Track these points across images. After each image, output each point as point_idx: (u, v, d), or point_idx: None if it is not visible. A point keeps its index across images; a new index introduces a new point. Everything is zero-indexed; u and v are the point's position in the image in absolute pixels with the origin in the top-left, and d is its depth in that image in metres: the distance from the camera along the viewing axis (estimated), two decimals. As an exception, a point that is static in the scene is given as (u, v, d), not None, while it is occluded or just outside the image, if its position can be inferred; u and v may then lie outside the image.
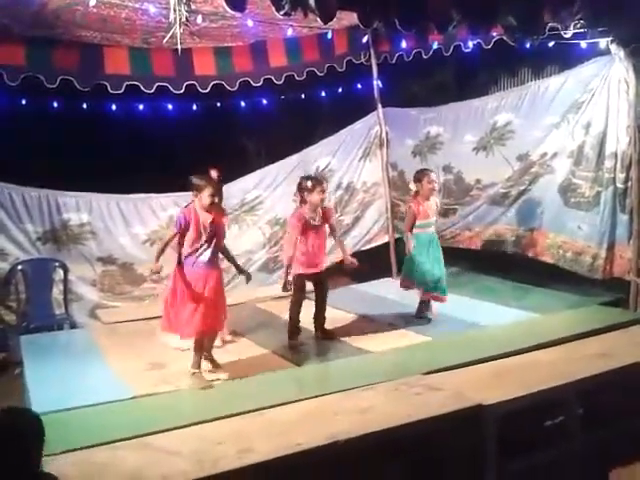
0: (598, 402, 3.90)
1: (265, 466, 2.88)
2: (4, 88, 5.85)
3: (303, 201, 4.96)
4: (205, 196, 4.23)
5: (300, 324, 4.98)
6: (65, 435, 3.32)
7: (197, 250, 4.22)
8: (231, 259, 4.65)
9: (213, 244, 4.27)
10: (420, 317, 5.40)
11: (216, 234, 4.31)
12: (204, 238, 4.22)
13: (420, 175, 5.43)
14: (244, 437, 3.18)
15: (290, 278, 4.87)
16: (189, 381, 4.14)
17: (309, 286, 5.11)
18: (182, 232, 4.23)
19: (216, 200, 4.37)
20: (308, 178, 5.09)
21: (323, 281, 5.12)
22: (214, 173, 4.61)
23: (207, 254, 4.24)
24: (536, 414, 3.68)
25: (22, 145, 6.73)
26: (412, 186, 5.48)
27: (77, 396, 3.94)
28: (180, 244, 4.26)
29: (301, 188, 4.97)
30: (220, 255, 4.47)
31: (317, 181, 5.03)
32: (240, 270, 4.67)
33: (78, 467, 2.94)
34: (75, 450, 3.12)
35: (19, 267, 6.01)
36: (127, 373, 4.41)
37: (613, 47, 5.22)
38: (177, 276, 4.22)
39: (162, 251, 4.41)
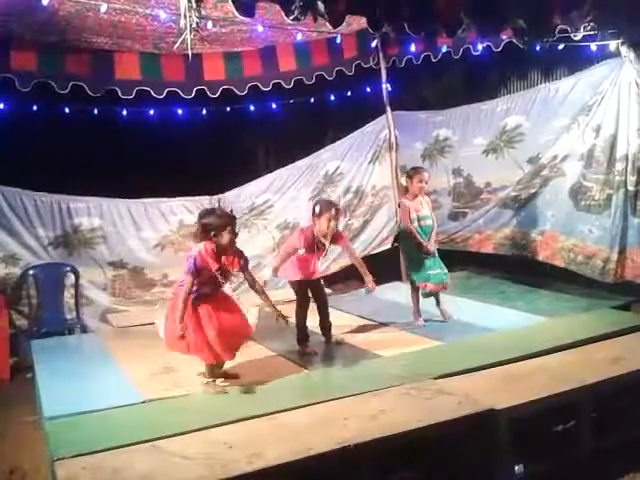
0: (610, 406, 3.87)
1: (276, 470, 2.87)
2: (16, 94, 5.91)
3: (312, 224, 4.84)
4: (226, 234, 3.93)
5: (308, 329, 4.96)
6: (76, 439, 3.34)
7: (199, 290, 4.01)
8: (266, 300, 4.24)
9: (222, 285, 4.06)
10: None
11: (227, 276, 4.08)
12: (211, 284, 4.01)
13: (412, 173, 5.39)
14: (255, 441, 3.17)
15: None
16: (201, 386, 4.13)
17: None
18: (195, 276, 3.95)
19: (234, 237, 4.05)
20: (318, 202, 4.91)
21: (321, 287, 5.08)
22: (228, 209, 4.15)
23: (214, 293, 4.04)
24: (548, 419, 3.66)
25: (33, 150, 6.78)
26: (402, 181, 5.49)
27: (88, 400, 3.95)
28: (192, 285, 3.98)
29: (311, 212, 4.83)
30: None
31: (326, 206, 4.79)
32: (277, 313, 4.22)
33: (90, 471, 2.95)
34: (86, 454, 3.12)
35: (31, 272, 6.06)
36: (138, 377, 4.42)
37: (623, 49, 5.21)
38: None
39: (186, 305, 3.95)
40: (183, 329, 3.92)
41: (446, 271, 5.38)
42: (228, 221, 3.98)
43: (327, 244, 4.87)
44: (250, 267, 4.83)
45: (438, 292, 5.39)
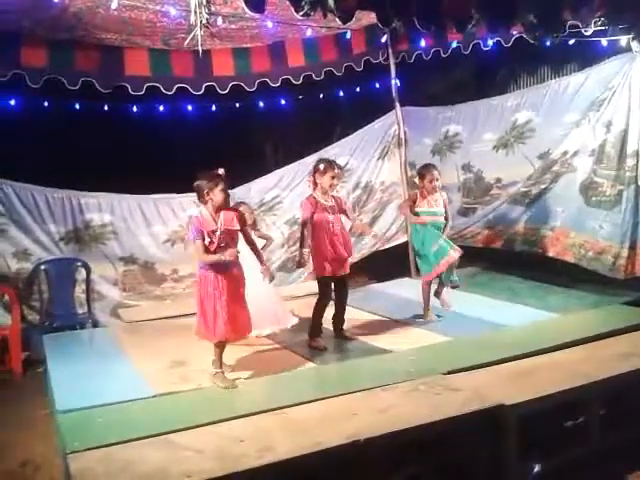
0: (620, 403, 3.87)
1: (286, 464, 2.89)
2: (26, 90, 5.94)
3: (314, 184, 4.93)
4: (217, 192, 4.05)
5: (322, 325, 4.97)
6: (89, 432, 3.37)
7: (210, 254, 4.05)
8: (257, 253, 4.45)
9: (225, 246, 4.07)
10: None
11: (229, 235, 4.13)
12: (215, 244, 4.05)
13: (423, 171, 5.38)
14: (265, 435, 3.20)
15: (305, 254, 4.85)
16: (210, 379, 4.16)
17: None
18: (201, 238, 4.03)
19: (228, 195, 4.18)
20: (321, 161, 5.00)
21: (346, 284, 5.08)
22: (221, 170, 4.24)
23: (227, 254, 4.04)
24: (557, 415, 3.66)
25: (45, 147, 6.83)
26: (416, 180, 5.48)
27: (100, 394, 3.99)
28: (207, 251, 4.06)
29: (314, 171, 4.93)
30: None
31: (329, 164, 4.92)
32: (262, 263, 4.40)
33: (103, 464, 2.98)
34: (99, 447, 3.15)
35: (42, 267, 6.10)
36: (149, 371, 4.45)
37: (634, 44, 5.18)
38: (199, 280, 4.13)
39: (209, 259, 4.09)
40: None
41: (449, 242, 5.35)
42: (217, 180, 4.09)
43: (330, 202, 4.91)
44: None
45: (454, 262, 5.29)
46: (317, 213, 4.85)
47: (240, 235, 4.26)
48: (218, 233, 4.06)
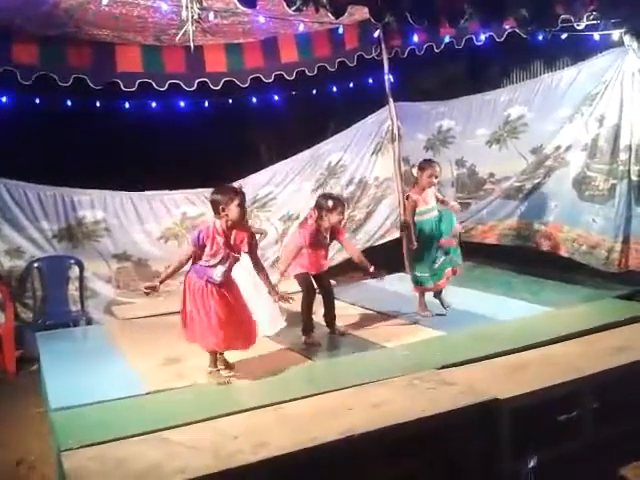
0: (614, 396, 3.88)
1: (281, 460, 2.90)
2: (18, 87, 5.91)
3: (319, 218, 4.84)
4: (233, 207, 3.90)
5: (314, 321, 4.98)
6: (82, 430, 3.37)
7: (209, 266, 4.00)
8: (265, 278, 4.25)
9: (228, 265, 4.04)
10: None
11: (234, 258, 4.06)
12: (219, 258, 3.99)
13: (424, 165, 5.32)
14: (260, 431, 3.20)
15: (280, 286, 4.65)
16: (205, 377, 4.15)
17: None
18: (197, 250, 3.99)
19: (244, 211, 4.05)
20: (329, 197, 4.91)
21: (326, 280, 5.09)
22: (237, 184, 4.21)
23: (219, 274, 4.00)
24: (551, 408, 3.67)
25: (37, 144, 6.79)
26: (414, 172, 5.43)
27: (94, 392, 3.98)
28: (194, 261, 4.04)
29: (320, 207, 4.82)
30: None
31: (339, 201, 4.88)
32: (278, 295, 4.27)
33: (97, 461, 2.97)
34: (93, 445, 3.15)
35: (35, 265, 6.08)
36: (143, 368, 4.45)
37: (626, 38, 5.19)
38: (186, 287, 4.07)
39: (175, 271, 4.11)
40: (153, 287, 4.08)
41: (455, 258, 5.29)
42: (233, 195, 3.96)
43: (327, 238, 4.92)
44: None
45: (445, 283, 5.31)
46: (310, 244, 4.84)
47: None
48: (222, 252, 3.98)
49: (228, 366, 4.25)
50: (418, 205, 5.27)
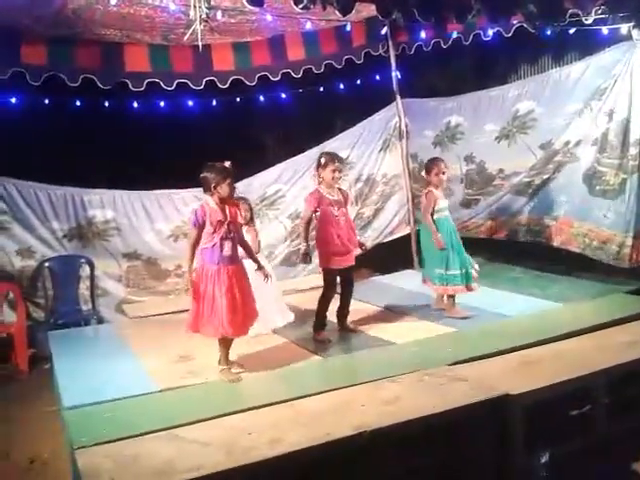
0: (625, 391, 3.87)
1: (295, 455, 2.91)
2: (27, 88, 5.94)
3: (319, 178, 4.94)
4: (225, 186, 4.07)
5: (327, 318, 4.97)
6: (96, 428, 3.38)
7: (215, 245, 4.06)
8: (250, 254, 4.44)
9: (232, 238, 4.12)
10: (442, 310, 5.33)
11: (234, 227, 4.17)
12: (222, 232, 4.08)
13: (430, 165, 5.32)
14: (273, 428, 3.21)
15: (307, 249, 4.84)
16: (217, 375, 4.17)
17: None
18: (200, 229, 4.08)
19: (234, 189, 4.23)
20: (323, 154, 5.00)
21: (351, 276, 5.07)
22: (228, 163, 4.26)
23: (227, 249, 4.08)
24: (562, 404, 3.67)
25: (46, 144, 6.82)
26: (424, 174, 5.41)
27: (106, 390, 4.00)
28: (198, 242, 4.11)
29: (317, 165, 4.94)
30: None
31: (330, 157, 4.92)
32: (259, 266, 4.42)
33: (111, 459, 2.99)
34: (107, 443, 3.17)
35: (46, 264, 6.13)
36: (155, 366, 4.47)
37: (635, 32, 5.17)
38: (197, 273, 4.11)
39: (193, 256, 4.12)
40: (189, 282, 4.07)
41: (470, 270, 5.20)
42: (226, 175, 4.11)
43: (336, 196, 4.92)
44: (263, 257, 4.87)
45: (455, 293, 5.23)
46: (322, 207, 4.85)
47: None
48: (226, 225, 4.09)
49: (239, 364, 4.28)
50: (437, 202, 5.24)
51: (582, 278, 5.94)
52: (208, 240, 4.10)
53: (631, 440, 3.69)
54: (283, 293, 5.53)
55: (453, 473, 3.34)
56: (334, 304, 5.05)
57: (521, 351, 4.17)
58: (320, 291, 5.02)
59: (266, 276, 4.44)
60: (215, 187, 4.09)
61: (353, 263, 5.02)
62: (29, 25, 5.45)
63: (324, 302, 4.94)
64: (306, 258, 4.88)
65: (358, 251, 5.16)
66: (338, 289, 5.05)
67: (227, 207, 4.15)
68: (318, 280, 5.18)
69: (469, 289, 5.21)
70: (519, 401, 3.42)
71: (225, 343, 4.20)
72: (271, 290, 4.82)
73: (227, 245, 4.09)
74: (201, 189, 6.55)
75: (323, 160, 4.89)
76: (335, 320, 5.11)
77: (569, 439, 3.56)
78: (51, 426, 4.38)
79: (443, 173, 5.27)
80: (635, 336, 4.25)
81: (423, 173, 5.43)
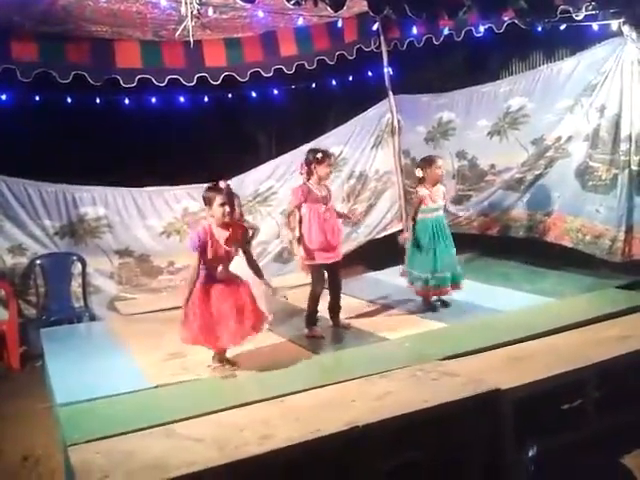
0: (616, 386, 3.90)
1: (286, 451, 2.91)
2: (18, 85, 5.90)
3: (309, 173, 4.92)
4: (216, 206, 3.96)
5: (318, 314, 4.99)
6: (88, 425, 3.39)
7: (210, 267, 4.03)
8: (255, 268, 4.32)
9: (228, 261, 4.07)
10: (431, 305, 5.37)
11: (228, 252, 4.06)
12: (221, 254, 4.01)
13: (427, 162, 5.33)
14: (265, 424, 3.22)
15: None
16: (209, 372, 4.18)
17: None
18: (201, 251, 3.99)
19: (228, 210, 4.02)
20: (317, 150, 5.00)
21: (338, 271, 5.09)
22: (223, 183, 4.11)
23: (220, 270, 4.04)
24: (553, 398, 3.69)
25: (37, 141, 6.80)
26: (418, 172, 5.41)
27: (99, 386, 4.01)
28: (200, 262, 4.02)
29: (309, 160, 4.92)
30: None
31: (327, 154, 4.97)
32: (273, 290, 4.34)
33: (104, 455, 2.99)
34: (99, 439, 3.16)
35: (38, 262, 6.10)
36: (148, 363, 4.48)
37: (625, 28, 5.18)
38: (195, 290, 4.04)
39: (193, 287, 4.01)
40: (188, 311, 3.98)
41: (457, 271, 5.28)
42: (214, 195, 4.00)
43: (324, 193, 4.94)
44: (255, 253, 4.87)
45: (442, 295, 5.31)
46: (309, 202, 4.86)
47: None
48: (222, 249, 4.01)
49: (231, 362, 4.29)
50: (425, 202, 5.28)
51: (573, 273, 5.97)
52: (209, 261, 4.03)
53: (621, 434, 3.71)
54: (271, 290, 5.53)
55: (444, 467, 3.35)
56: (327, 301, 5.06)
57: (512, 346, 4.19)
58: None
59: (275, 290, 4.35)
60: (210, 208, 4.02)
61: (339, 259, 5.03)
62: (19, 22, 5.42)
63: (312, 298, 4.95)
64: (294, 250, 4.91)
65: (344, 249, 5.22)
66: (327, 284, 5.05)
67: (228, 229, 4.03)
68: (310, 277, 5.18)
69: (434, 294, 5.30)
70: (510, 396, 3.44)
71: (220, 351, 4.22)
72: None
73: (220, 268, 4.05)
74: (193, 185, 6.69)
75: (320, 156, 4.89)
76: (328, 317, 5.11)
77: (560, 433, 3.58)
78: (44, 423, 4.36)
79: (439, 169, 5.29)
80: (625, 331, 4.27)
81: (417, 172, 5.42)
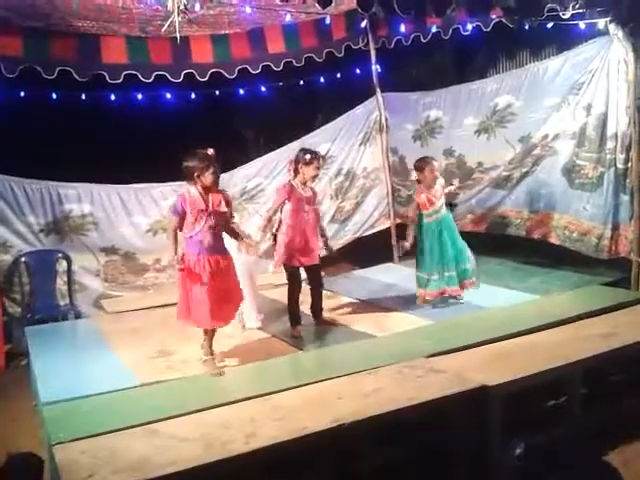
0: (602, 382, 3.93)
1: (272, 449, 2.91)
2: (2, 80, 5.83)
3: (296, 172, 4.90)
4: (208, 174, 4.02)
5: (301, 311, 4.97)
6: (73, 423, 3.37)
7: (196, 234, 4.05)
8: (235, 236, 4.40)
9: (213, 227, 4.09)
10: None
11: (217, 216, 4.12)
12: (203, 222, 4.05)
13: (422, 164, 5.31)
14: (251, 422, 3.21)
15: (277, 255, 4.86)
16: (198, 368, 4.15)
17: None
18: (181, 217, 4.07)
19: (218, 177, 4.15)
20: (307, 151, 4.97)
21: (318, 271, 5.06)
22: (211, 150, 4.21)
23: (208, 239, 4.06)
24: (539, 395, 3.71)
25: (22, 137, 6.73)
26: (414, 175, 5.40)
27: (84, 385, 3.98)
28: (180, 229, 4.11)
29: (297, 159, 4.90)
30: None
31: (315, 155, 4.93)
32: (241, 239, 4.40)
33: (88, 454, 2.97)
34: (84, 438, 3.15)
35: (22, 259, 6.04)
36: (133, 361, 4.44)
37: (612, 27, 5.20)
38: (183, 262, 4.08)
39: (175, 241, 4.13)
40: (180, 261, 4.02)
41: (468, 267, 5.28)
42: (209, 162, 4.07)
43: (309, 193, 4.91)
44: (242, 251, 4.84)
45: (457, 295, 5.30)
46: (292, 202, 4.82)
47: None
48: (207, 214, 4.05)
49: (221, 359, 4.27)
50: (425, 207, 5.26)
51: (559, 270, 6.00)
52: (189, 230, 4.08)
53: (607, 429, 3.73)
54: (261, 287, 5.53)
55: (431, 465, 3.36)
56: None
57: (498, 343, 4.21)
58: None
59: (250, 245, 4.43)
60: (198, 176, 4.05)
61: (317, 262, 4.99)
62: (4, 15, 5.36)
63: (291, 297, 4.91)
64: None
65: (323, 252, 5.19)
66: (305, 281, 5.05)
67: (210, 196, 4.10)
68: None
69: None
70: (496, 392, 3.45)
71: (210, 332, 4.20)
72: (251, 289, 4.82)
73: (208, 235, 4.06)
74: (180, 183, 6.62)
75: (308, 157, 4.85)
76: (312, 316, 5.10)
77: (546, 429, 3.60)
78: (29, 422, 4.32)
79: (436, 170, 5.29)
80: (610, 328, 4.31)
81: (414, 176, 5.38)
